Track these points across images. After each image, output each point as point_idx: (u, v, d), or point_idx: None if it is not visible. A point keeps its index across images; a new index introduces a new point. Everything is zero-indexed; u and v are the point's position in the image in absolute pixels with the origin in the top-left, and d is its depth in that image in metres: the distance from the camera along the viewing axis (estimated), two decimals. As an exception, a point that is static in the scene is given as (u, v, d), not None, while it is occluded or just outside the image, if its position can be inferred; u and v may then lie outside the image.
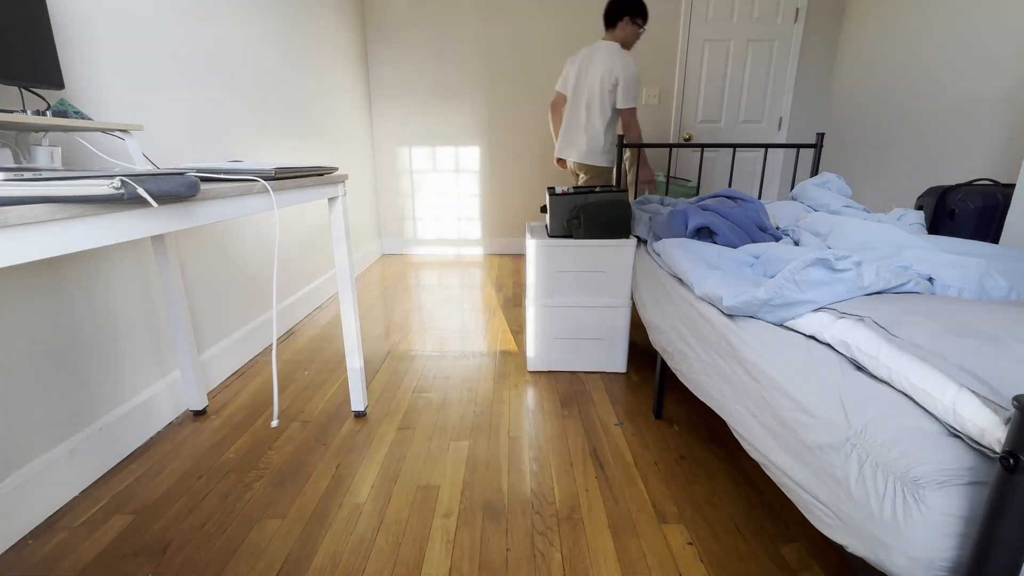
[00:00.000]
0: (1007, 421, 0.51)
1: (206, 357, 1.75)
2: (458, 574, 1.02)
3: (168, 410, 1.56)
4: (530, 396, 1.75)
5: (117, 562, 1.05)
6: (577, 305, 1.84)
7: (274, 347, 1.01)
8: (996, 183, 1.85)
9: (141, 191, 0.68)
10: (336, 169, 1.42)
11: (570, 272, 1.81)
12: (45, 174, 0.68)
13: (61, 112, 1.07)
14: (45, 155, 1.06)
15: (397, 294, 2.97)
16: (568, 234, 1.82)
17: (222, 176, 1.01)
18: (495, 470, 1.35)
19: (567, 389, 1.80)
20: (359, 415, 1.62)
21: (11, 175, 0.63)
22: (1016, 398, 0.47)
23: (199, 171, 0.98)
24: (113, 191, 0.66)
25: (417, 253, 4.09)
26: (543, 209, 1.86)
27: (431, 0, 3.53)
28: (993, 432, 0.52)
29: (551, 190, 1.81)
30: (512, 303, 2.79)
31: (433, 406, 1.68)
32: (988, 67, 2.50)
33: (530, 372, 1.93)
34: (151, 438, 1.49)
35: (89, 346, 1.30)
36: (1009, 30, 2.39)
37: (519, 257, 3.96)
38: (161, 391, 1.53)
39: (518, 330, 2.38)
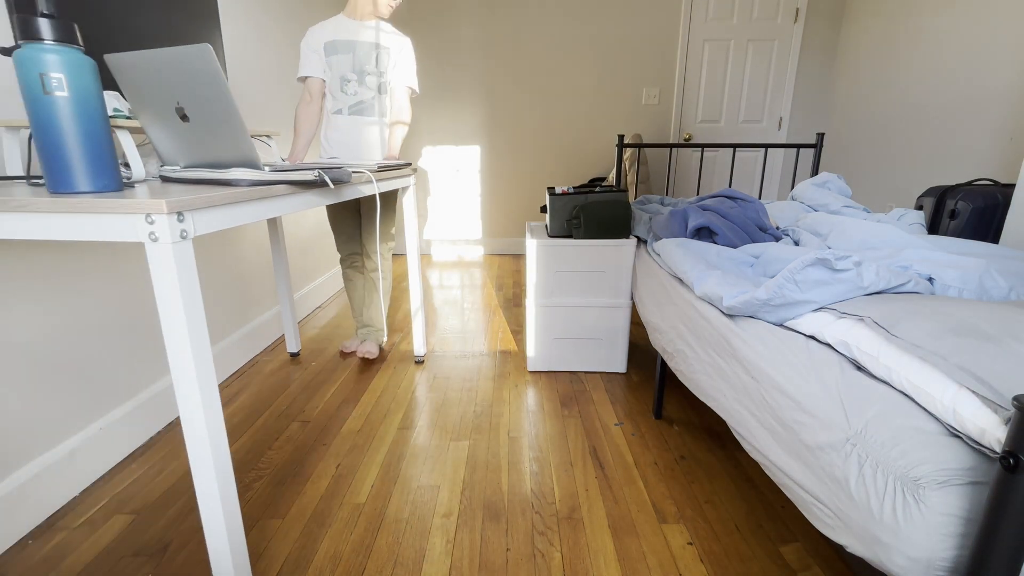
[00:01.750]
0: (1007, 421, 0.51)
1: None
2: (458, 574, 1.02)
3: (169, 410, 1.56)
4: (530, 396, 1.75)
5: (117, 562, 1.05)
6: (577, 305, 1.84)
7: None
8: (996, 183, 1.85)
9: (327, 178, 1.08)
10: (410, 164, 1.82)
11: (570, 272, 1.81)
12: (279, 168, 1.05)
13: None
14: None
15: (397, 294, 2.97)
16: (568, 234, 1.82)
17: (353, 169, 1.35)
18: (495, 470, 1.35)
19: (567, 389, 1.80)
20: (419, 360, 2.01)
21: (270, 169, 1.01)
22: (1016, 398, 0.48)
23: (329, 168, 1.17)
24: (315, 178, 1.06)
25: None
26: (543, 209, 1.87)
27: (431, 0, 3.54)
28: (993, 432, 0.52)
29: (551, 190, 1.82)
30: (512, 303, 2.79)
31: (433, 406, 1.68)
32: (988, 67, 2.50)
33: (530, 372, 1.93)
34: (151, 438, 1.49)
35: (89, 346, 1.30)
36: (1009, 30, 2.39)
37: (519, 257, 3.96)
38: (163, 390, 1.53)
39: (518, 330, 2.38)
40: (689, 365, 1.20)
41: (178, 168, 1.06)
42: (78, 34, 0.77)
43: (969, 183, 1.84)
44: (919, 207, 1.84)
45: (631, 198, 3.10)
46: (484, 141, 3.81)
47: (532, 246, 1.79)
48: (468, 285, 3.16)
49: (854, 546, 0.65)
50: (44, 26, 0.71)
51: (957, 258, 0.97)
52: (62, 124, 0.74)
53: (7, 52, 0.85)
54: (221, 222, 0.84)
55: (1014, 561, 0.49)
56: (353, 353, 2.12)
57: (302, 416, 1.62)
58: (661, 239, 1.54)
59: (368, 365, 1.99)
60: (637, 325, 2.42)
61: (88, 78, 0.76)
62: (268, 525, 1.15)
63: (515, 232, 4.02)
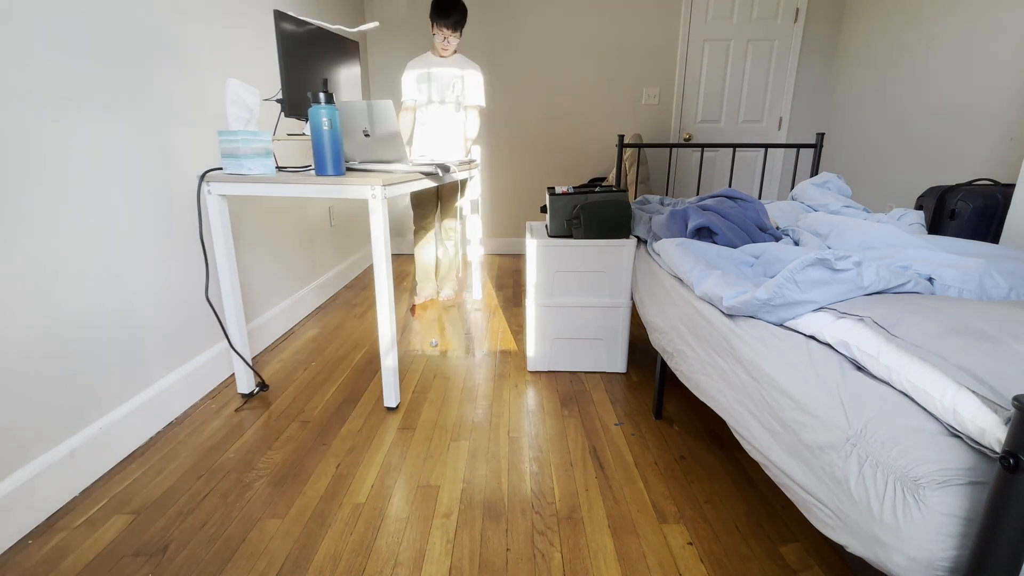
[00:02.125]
0: (1007, 421, 0.51)
1: (207, 357, 1.75)
2: (458, 574, 1.02)
3: (169, 410, 1.56)
4: (530, 396, 1.75)
5: (117, 562, 1.05)
6: (577, 305, 1.84)
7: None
8: (996, 183, 1.85)
9: (439, 171, 1.73)
10: (475, 160, 2.59)
11: (570, 272, 1.81)
12: (415, 164, 1.79)
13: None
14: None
15: (398, 294, 2.97)
16: (568, 234, 1.82)
17: (446, 165, 1.84)
18: (495, 470, 1.35)
19: (567, 389, 1.80)
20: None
21: (416, 163, 1.81)
22: (1016, 398, 0.48)
23: (440, 164, 1.81)
24: (434, 170, 1.71)
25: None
26: (543, 209, 1.87)
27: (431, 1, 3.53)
28: (993, 432, 0.52)
29: (551, 190, 1.82)
30: (512, 303, 2.79)
31: (433, 406, 1.68)
32: (988, 67, 2.50)
33: (530, 372, 1.93)
34: (151, 438, 1.49)
35: (89, 345, 1.30)
36: (1009, 30, 2.39)
37: (519, 257, 3.95)
38: (163, 390, 1.53)
39: (518, 330, 2.38)
40: (689, 365, 1.20)
41: (355, 162, 1.76)
42: (334, 97, 1.59)
43: (969, 183, 1.84)
44: (919, 207, 1.84)
45: (631, 198, 3.10)
46: (484, 141, 3.80)
47: (532, 246, 1.79)
48: (468, 285, 3.16)
49: (854, 546, 0.65)
50: (324, 96, 1.47)
51: (957, 258, 0.97)
52: (328, 143, 1.49)
53: (276, 100, 1.66)
54: (395, 191, 1.54)
55: (1014, 561, 0.49)
56: (413, 308, 2.73)
57: (302, 416, 1.62)
58: (661, 239, 1.54)
59: (369, 363, 2.00)
60: (637, 325, 2.42)
61: (337, 119, 1.50)
62: (268, 525, 1.15)
63: (515, 232, 4.01)
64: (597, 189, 1.83)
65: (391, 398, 1.65)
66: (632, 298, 1.81)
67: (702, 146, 2.31)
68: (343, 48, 2.00)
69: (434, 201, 2.67)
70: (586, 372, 1.93)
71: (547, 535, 1.13)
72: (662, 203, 2.11)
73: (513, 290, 3.04)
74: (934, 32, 2.79)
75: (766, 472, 0.87)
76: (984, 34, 2.51)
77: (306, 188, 1.48)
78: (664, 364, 1.56)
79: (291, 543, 1.10)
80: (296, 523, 1.16)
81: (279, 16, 1.60)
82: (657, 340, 1.44)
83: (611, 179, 3.24)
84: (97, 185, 1.32)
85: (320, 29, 1.80)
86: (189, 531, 1.13)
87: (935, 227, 1.78)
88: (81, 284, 1.27)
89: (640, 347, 2.18)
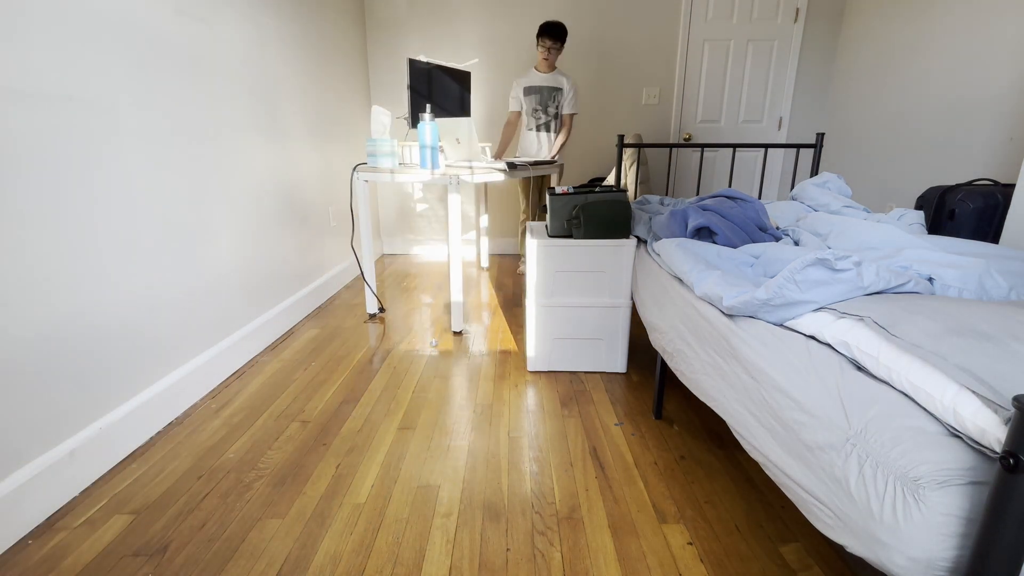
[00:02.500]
0: (1007, 421, 0.51)
1: (206, 357, 1.75)
2: (458, 574, 1.02)
3: (169, 410, 1.56)
4: (530, 396, 1.75)
5: (117, 562, 1.05)
6: (577, 305, 1.84)
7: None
8: (996, 183, 1.85)
9: (508, 168, 2.29)
10: (555, 160, 2.96)
11: (570, 272, 1.81)
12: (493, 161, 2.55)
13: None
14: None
15: (397, 294, 2.97)
16: (568, 234, 1.82)
17: (529, 162, 2.53)
18: (495, 470, 1.35)
19: (567, 389, 1.80)
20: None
21: (490, 160, 2.57)
22: (1016, 398, 0.48)
23: (516, 163, 2.39)
24: (507, 167, 2.28)
25: (417, 253, 4.09)
26: (543, 209, 1.87)
27: (431, 1, 3.54)
28: (993, 432, 0.52)
29: (551, 190, 1.81)
30: (512, 303, 2.79)
31: (433, 406, 1.68)
32: (988, 67, 2.50)
33: (530, 372, 1.93)
34: (151, 438, 1.49)
35: (90, 345, 1.30)
36: (1009, 30, 2.39)
37: (519, 257, 3.95)
38: (164, 390, 1.53)
39: (518, 330, 2.38)
40: (689, 365, 1.20)
41: (449, 160, 2.35)
42: (432, 113, 2.24)
43: (969, 183, 1.84)
44: (919, 207, 1.84)
45: (631, 198, 3.10)
46: (484, 141, 3.80)
47: (532, 246, 1.79)
48: (468, 285, 3.16)
49: (854, 546, 0.65)
50: (428, 115, 2.18)
51: (957, 258, 0.97)
52: (428, 147, 2.19)
53: (403, 118, 2.50)
54: (467, 179, 2.18)
55: (1014, 561, 0.49)
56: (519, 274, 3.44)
57: (302, 416, 1.62)
58: (661, 239, 1.54)
59: (369, 363, 2.00)
60: (637, 325, 2.42)
61: (436, 131, 2.19)
62: (268, 525, 1.15)
63: (515, 232, 4.01)
64: (597, 189, 1.83)
65: (457, 324, 2.31)
66: (632, 298, 1.81)
67: (702, 146, 2.31)
68: (455, 77, 2.74)
69: (527, 193, 3.26)
70: (586, 372, 1.93)
71: (547, 535, 1.13)
72: (662, 203, 2.11)
73: (513, 290, 3.04)
74: (934, 32, 2.79)
75: (766, 472, 0.87)
76: (984, 34, 2.51)
77: (414, 177, 2.21)
78: (664, 364, 1.56)
79: (291, 543, 1.10)
80: (296, 523, 1.16)
81: (411, 62, 2.39)
82: (657, 340, 1.44)
83: (611, 179, 3.24)
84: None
85: (439, 66, 2.55)
86: (189, 531, 1.13)
87: (935, 227, 1.78)
88: (79, 286, 1.27)
89: (640, 347, 2.18)
